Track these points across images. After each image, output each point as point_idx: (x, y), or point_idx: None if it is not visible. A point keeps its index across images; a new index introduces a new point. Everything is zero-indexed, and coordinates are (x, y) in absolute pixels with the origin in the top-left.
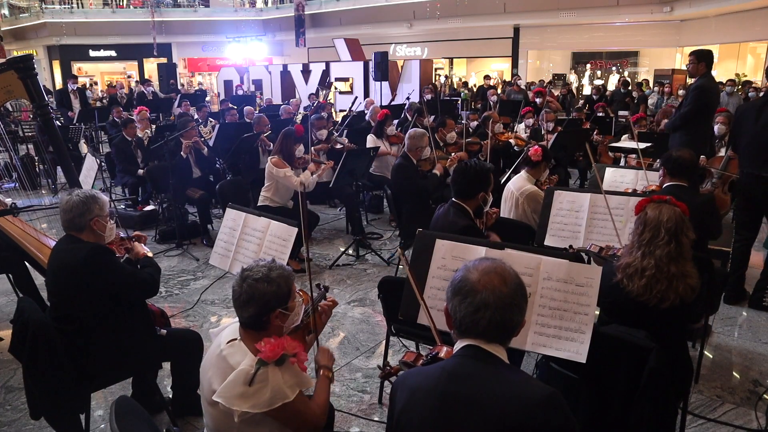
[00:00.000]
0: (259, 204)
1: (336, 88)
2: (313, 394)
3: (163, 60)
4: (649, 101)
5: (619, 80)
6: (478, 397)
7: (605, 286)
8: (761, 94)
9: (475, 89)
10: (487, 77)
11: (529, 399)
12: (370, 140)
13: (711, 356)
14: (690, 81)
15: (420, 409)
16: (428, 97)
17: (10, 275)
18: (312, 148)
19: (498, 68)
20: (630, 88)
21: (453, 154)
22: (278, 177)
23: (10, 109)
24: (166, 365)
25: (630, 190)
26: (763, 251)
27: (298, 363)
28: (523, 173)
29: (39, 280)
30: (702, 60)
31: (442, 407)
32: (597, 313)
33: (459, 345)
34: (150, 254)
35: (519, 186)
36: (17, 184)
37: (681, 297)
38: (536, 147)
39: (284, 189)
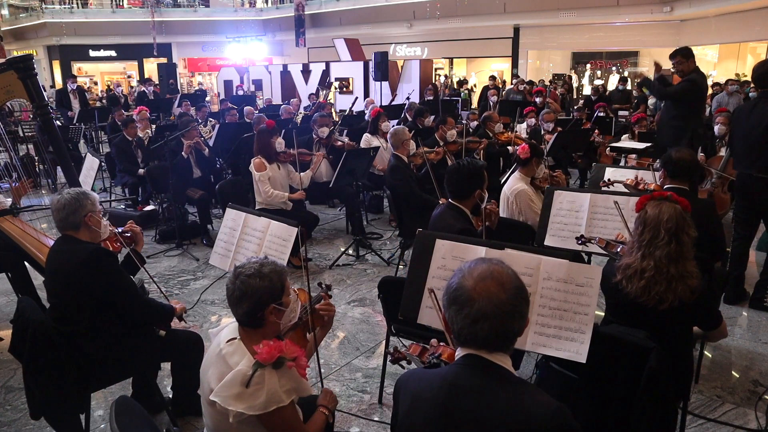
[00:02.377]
0: (256, 209)
1: (336, 89)
2: (309, 421)
3: (163, 60)
4: (649, 101)
5: (618, 80)
6: (480, 412)
7: (607, 287)
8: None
9: (475, 89)
10: (492, 78)
11: (534, 415)
12: (365, 139)
13: (711, 356)
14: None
15: (422, 419)
16: (429, 98)
17: (9, 275)
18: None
19: (498, 68)
20: (629, 87)
21: (439, 149)
22: (255, 179)
23: (12, 108)
24: (166, 365)
25: (632, 182)
26: (762, 251)
27: (297, 368)
28: (516, 173)
29: (38, 280)
30: (690, 56)
31: (444, 420)
32: (602, 313)
33: (460, 353)
34: (180, 308)
35: (510, 185)
36: (17, 184)
37: (680, 298)
38: (523, 145)
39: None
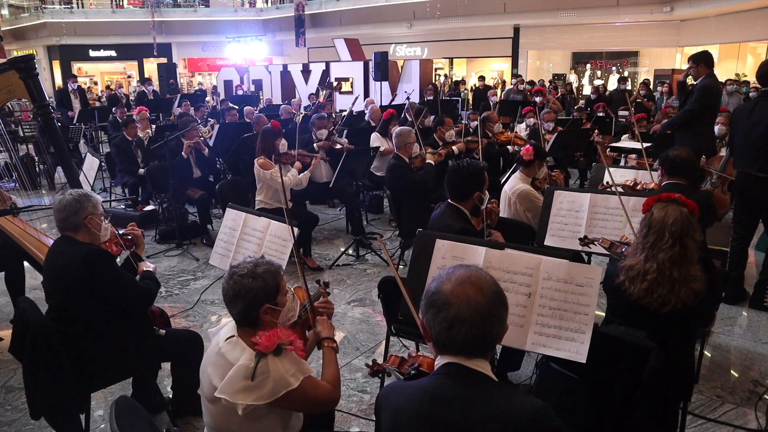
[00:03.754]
0: (256, 209)
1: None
2: (322, 370)
3: (163, 60)
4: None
5: (618, 80)
6: (463, 421)
7: (610, 287)
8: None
9: (473, 89)
10: (481, 78)
11: (518, 419)
12: (374, 138)
13: (711, 356)
14: (690, 82)
15: None
16: (429, 98)
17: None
18: (311, 149)
19: (498, 68)
20: (630, 87)
21: (441, 151)
22: (266, 179)
23: (12, 108)
24: (166, 365)
25: (630, 183)
26: (762, 251)
27: (295, 350)
28: (517, 173)
29: (38, 280)
30: (701, 62)
31: None
32: (602, 313)
33: (439, 362)
34: (152, 268)
35: (512, 186)
36: (17, 184)
37: (683, 301)
38: (527, 146)
39: (276, 190)
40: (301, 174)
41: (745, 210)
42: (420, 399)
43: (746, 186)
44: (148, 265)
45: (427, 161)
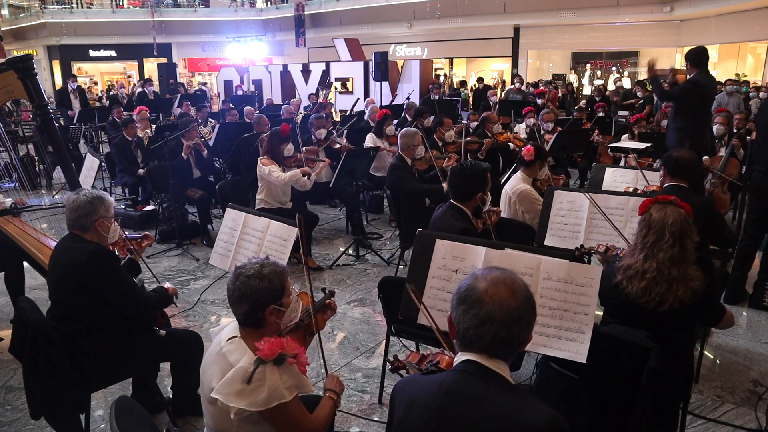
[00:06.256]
0: (256, 208)
1: (336, 88)
2: (316, 409)
3: (163, 60)
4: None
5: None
6: (475, 419)
7: (606, 287)
8: (761, 93)
9: (474, 89)
10: (480, 80)
11: (529, 425)
12: (370, 140)
13: (711, 356)
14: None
15: (416, 424)
16: (435, 96)
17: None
18: (304, 148)
19: (498, 68)
20: (632, 88)
21: (451, 153)
22: (264, 175)
23: (12, 109)
24: (166, 365)
25: (630, 189)
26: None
27: (298, 365)
28: (518, 173)
29: (38, 280)
30: (688, 60)
31: (439, 427)
32: (600, 313)
33: (460, 358)
34: (170, 288)
35: (513, 186)
36: (17, 184)
37: (680, 300)
38: (528, 146)
39: (277, 189)
40: (306, 177)
41: (759, 210)
42: (435, 393)
43: (762, 185)
44: (168, 285)
45: (443, 185)
